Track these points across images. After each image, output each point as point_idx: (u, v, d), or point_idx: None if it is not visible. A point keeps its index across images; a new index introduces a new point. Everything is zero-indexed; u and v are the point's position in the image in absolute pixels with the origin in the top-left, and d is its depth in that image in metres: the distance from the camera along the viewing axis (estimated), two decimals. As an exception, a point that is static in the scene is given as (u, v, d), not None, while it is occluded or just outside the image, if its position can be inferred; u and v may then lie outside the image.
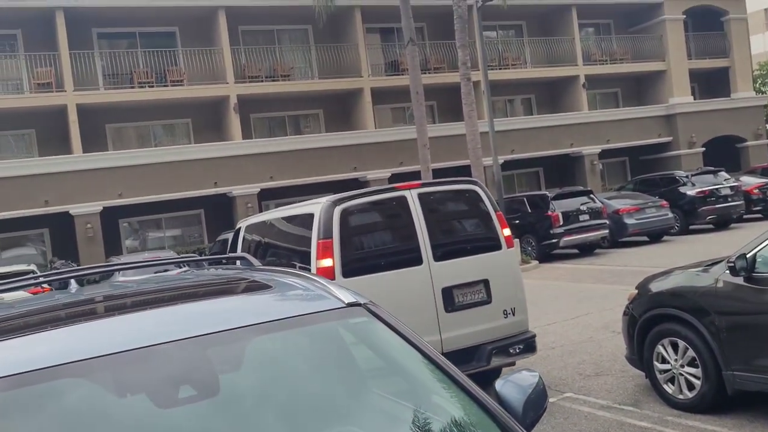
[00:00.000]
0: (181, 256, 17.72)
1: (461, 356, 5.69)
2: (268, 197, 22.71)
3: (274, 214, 7.40)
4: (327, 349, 2.31)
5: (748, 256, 5.03)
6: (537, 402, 2.14)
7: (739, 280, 5.08)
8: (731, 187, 20.31)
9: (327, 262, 5.53)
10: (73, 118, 20.40)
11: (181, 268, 12.22)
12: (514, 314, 6.18)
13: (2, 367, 1.77)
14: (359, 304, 2.22)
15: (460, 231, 6.54)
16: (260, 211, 22.11)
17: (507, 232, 6.32)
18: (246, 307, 2.26)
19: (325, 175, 22.56)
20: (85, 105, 20.82)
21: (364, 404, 2.26)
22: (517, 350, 6.12)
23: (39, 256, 21.16)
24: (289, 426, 1.99)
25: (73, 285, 11.41)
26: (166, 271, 11.63)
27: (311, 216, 5.86)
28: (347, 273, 5.57)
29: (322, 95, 24.59)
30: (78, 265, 19.50)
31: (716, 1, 30.13)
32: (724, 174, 21.24)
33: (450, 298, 5.90)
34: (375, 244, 6.07)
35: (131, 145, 22.75)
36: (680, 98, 28.79)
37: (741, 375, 5.08)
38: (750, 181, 21.98)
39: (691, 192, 20.17)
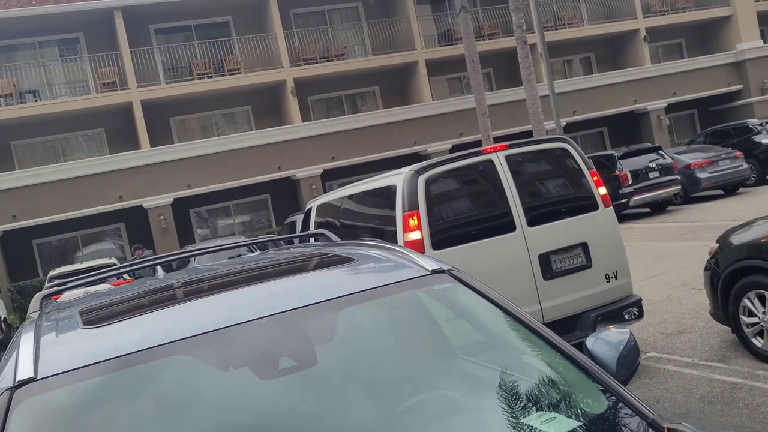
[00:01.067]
0: (259, 237, 18.16)
1: (563, 326, 5.41)
2: (330, 178, 22.94)
3: (348, 190, 7.01)
4: (414, 316, 2.35)
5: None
6: (630, 358, 2.12)
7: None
8: (810, 132, 19.35)
9: (415, 235, 5.26)
10: (138, 114, 21.03)
11: (253, 251, 12.51)
12: (616, 278, 5.83)
13: (115, 348, 1.88)
14: (443, 271, 2.25)
15: (553, 193, 6.08)
16: (324, 192, 22.37)
17: (603, 190, 5.92)
18: (335, 280, 2.32)
19: (385, 152, 22.60)
20: (148, 100, 21.41)
21: (455, 369, 2.30)
22: (633, 315, 5.78)
23: (117, 249, 22.02)
24: (384, 391, 2.04)
25: (161, 272, 11.83)
26: (239, 255, 11.93)
27: (393, 188, 5.57)
28: (437, 245, 5.29)
29: (377, 71, 24.53)
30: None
31: (783, -63, 28.52)
32: (801, 119, 20.27)
33: (547, 265, 5.57)
34: (464, 213, 5.66)
35: (195, 136, 23.30)
36: (749, 43, 27.46)
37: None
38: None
39: (766, 140, 19.32)
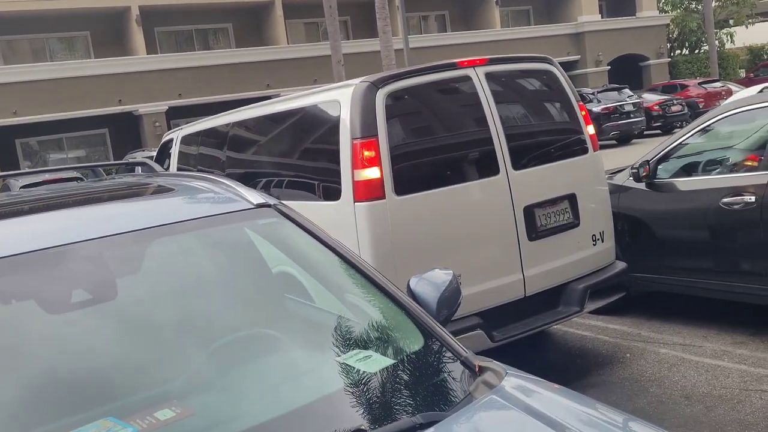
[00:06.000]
0: (75, 165, 16.91)
1: (544, 299, 4.31)
2: (177, 116, 21.87)
3: (244, 113, 5.30)
4: (234, 251, 2.23)
5: (650, 162, 5.22)
6: (451, 299, 2.15)
7: (642, 186, 5.29)
8: (634, 104, 21.02)
9: (371, 173, 3.80)
10: (-45, 29, 18.78)
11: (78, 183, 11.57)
12: (603, 240, 4.65)
13: None
14: (269, 205, 2.14)
15: (540, 128, 4.71)
16: (169, 129, 21.33)
17: (591, 129, 4.69)
18: (146, 210, 2.13)
19: (236, 93, 21.87)
20: (-32, 15, 19.16)
21: (274, 306, 2.21)
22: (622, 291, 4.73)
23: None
24: (192, 329, 1.92)
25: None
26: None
27: (334, 106, 4.07)
28: (401, 188, 3.85)
29: (231, 8, 23.52)
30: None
31: None
32: (627, 91, 21.91)
33: (532, 221, 4.27)
34: (435, 147, 4.16)
35: (25, 60, 21.25)
36: (588, 16, 29.20)
37: (642, 276, 5.34)
38: (651, 98, 22.81)
39: (596, 108, 20.72)
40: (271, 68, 22.59)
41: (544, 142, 4.57)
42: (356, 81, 4.02)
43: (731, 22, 34.39)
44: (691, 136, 5.23)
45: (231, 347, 1.87)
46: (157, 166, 2.79)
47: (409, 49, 19.51)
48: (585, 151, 4.63)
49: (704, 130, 5.20)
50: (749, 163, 4.88)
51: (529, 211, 4.26)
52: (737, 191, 4.64)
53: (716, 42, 30.73)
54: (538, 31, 28.24)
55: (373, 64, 22.17)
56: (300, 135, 4.69)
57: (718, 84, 24.97)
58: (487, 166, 4.16)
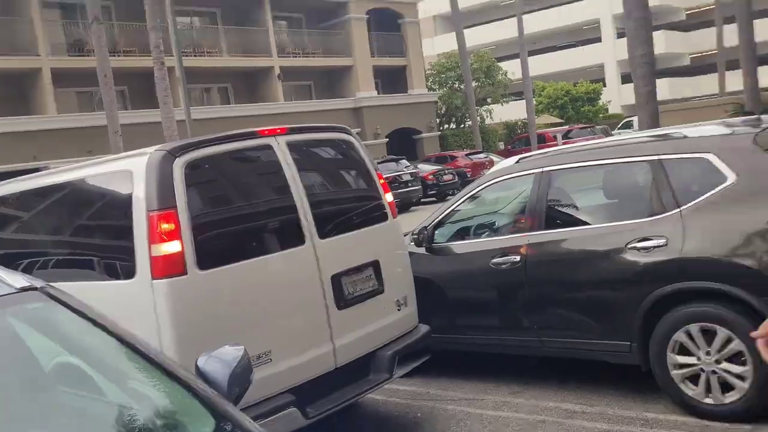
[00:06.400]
0: None
1: (354, 369, 4.27)
2: None
3: (10, 187, 4.79)
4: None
5: (428, 228, 5.56)
6: (242, 376, 2.09)
7: (422, 250, 5.60)
8: (411, 174, 22.50)
9: (171, 247, 3.55)
10: None
11: None
12: (406, 304, 4.79)
13: None
14: (35, 288, 1.94)
15: (343, 196, 4.84)
16: None
17: (390, 197, 4.89)
18: None
19: (-4, 165, 19.88)
20: None
21: (43, 403, 1.98)
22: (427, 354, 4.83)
23: None
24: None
25: None
26: None
27: (125, 176, 3.79)
28: (204, 262, 3.64)
29: (-10, 74, 21.59)
30: None
31: (394, 5, 32.98)
32: (405, 162, 23.41)
33: (340, 290, 4.27)
34: (239, 217, 4.03)
35: None
36: (366, 93, 31.00)
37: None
38: (426, 168, 24.66)
39: (377, 179, 21.85)
40: (37, 138, 20.93)
41: (347, 210, 4.68)
42: (150, 149, 3.78)
43: (489, 100, 38.62)
44: (462, 202, 5.68)
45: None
46: None
47: (192, 120, 19.23)
48: (385, 217, 4.78)
49: (473, 197, 5.67)
50: (517, 225, 5.40)
51: (336, 280, 4.26)
52: (504, 252, 5.09)
53: (478, 117, 34.11)
54: (320, 105, 29.30)
55: (154, 135, 21.40)
56: (84, 209, 4.33)
57: (482, 155, 27.70)
58: (293, 236, 4.12)
